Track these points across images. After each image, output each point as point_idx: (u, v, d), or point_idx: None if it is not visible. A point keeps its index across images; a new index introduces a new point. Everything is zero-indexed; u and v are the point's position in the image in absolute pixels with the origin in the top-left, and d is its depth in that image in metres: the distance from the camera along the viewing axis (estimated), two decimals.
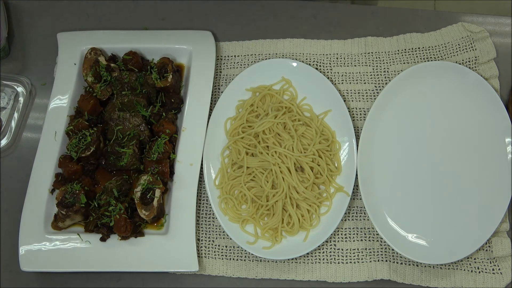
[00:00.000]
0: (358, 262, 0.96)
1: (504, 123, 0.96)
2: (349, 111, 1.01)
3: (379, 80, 1.06)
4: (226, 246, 0.99)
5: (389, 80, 1.05)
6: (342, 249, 0.97)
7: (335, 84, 1.06)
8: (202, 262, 0.98)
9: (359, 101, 1.05)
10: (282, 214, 0.96)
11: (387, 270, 0.94)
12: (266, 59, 1.09)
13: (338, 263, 0.96)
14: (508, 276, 0.92)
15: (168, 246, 0.95)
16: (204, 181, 1.00)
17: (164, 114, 1.04)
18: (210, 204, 0.99)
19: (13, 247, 0.98)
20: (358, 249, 0.96)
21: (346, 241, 0.97)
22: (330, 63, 1.08)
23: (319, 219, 0.97)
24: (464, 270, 0.93)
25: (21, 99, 1.11)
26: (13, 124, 1.09)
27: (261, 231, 0.97)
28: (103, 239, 0.96)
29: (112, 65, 1.07)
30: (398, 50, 1.08)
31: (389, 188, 0.97)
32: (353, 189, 0.96)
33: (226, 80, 1.09)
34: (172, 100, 1.04)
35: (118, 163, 1.00)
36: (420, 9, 1.12)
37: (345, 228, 0.98)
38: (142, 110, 1.03)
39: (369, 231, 0.97)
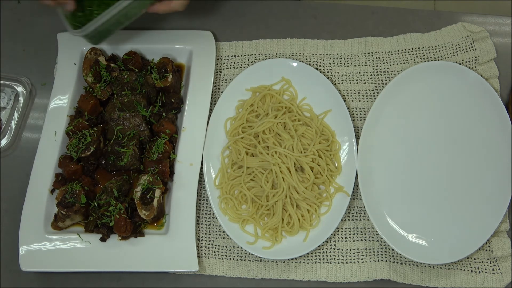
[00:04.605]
0: (358, 262, 0.96)
1: (504, 123, 0.96)
2: (349, 111, 1.01)
3: (379, 80, 1.06)
4: (226, 246, 0.99)
5: (389, 80, 1.05)
6: (342, 249, 0.97)
7: (335, 84, 1.06)
8: (202, 262, 0.98)
9: (359, 101, 1.05)
10: (282, 214, 0.96)
11: (387, 270, 0.94)
12: (266, 59, 1.09)
13: (338, 263, 0.96)
14: (508, 276, 0.92)
15: (168, 246, 0.95)
16: (204, 181, 1.00)
17: (164, 114, 1.04)
18: (210, 204, 0.99)
19: (13, 247, 0.98)
20: (358, 249, 0.96)
21: (346, 241, 0.97)
22: (330, 63, 1.08)
23: (319, 219, 0.97)
24: (464, 270, 0.93)
25: (21, 99, 1.11)
26: (13, 124, 1.09)
27: (261, 231, 0.97)
28: (103, 239, 0.96)
29: (112, 65, 1.07)
30: (398, 50, 1.08)
31: (389, 188, 0.97)
32: (353, 189, 0.96)
33: (226, 80, 1.09)
34: (172, 100, 1.04)
35: (118, 163, 1.00)
36: (420, 9, 1.12)
37: (345, 228, 0.98)
38: (142, 110, 1.03)
39: (369, 231, 0.97)
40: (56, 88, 1.07)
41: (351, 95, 1.06)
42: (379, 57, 1.08)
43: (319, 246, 0.96)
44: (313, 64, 1.08)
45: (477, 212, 0.93)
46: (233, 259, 0.98)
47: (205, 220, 1.01)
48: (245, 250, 0.97)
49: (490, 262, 0.93)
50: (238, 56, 1.11)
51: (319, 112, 1.03)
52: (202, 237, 1.00)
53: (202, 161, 1.00)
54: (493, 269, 0.92)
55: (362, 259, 0.96)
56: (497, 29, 1.07)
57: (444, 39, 1.07)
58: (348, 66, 1.08)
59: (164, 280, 0.98)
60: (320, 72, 1.05)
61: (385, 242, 0.95)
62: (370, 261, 0.95)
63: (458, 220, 0.94)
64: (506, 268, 0.92)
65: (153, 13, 0.96)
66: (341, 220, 0.96)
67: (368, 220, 0.98)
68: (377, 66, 1.07)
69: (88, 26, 0.91)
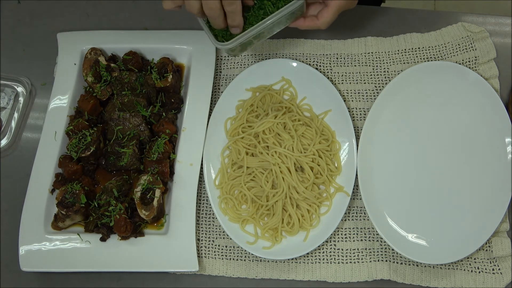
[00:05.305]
0: (358, 262, 0.96)
1: (504, 123, 0.96)
2: (349, 111, 1.01)
3: (379, 80, 1.06)
4: (226, 246, 0.99)
5: (389, 80, 1.05)
6: (342, 249, 0.97)
7: (335, 84, 1.06)
8: (202, 262, 0.98)
9: (359, 101, 1.05)
10: (282, 214, 0.96)
11: (387, 270, 0.94)
12: (266, 59, 1.09)
13: (338, 263, 0.96)
14: (508, 276, 0.92)
15: (168, 246, 0.95)
16: (204, 181, 1.00)
17: (164, 114, 1.04)
18: (210, 204, 0.99)
19: (13, 247, 0.98)
20: (358, 249, 0.96)
21: (346, 241, 0.97)
22: (330, 63, 1.08)
23: (319, 219, 0.97)
24: (464, 270, 0.93)
25: (21, 99, 1.11)
26: (13, 124, 1.09)
27: (261, 231, 0.97)
28: (103, 239, 0.96)
29: (112, 65, 1.07)
30: (398, 50, 1.08)
31: (389, 188, 0.97)
32: (353, 189, 0.96)
33: (226, 80, 1.09)
34: (172, 100, 1.05)
35: (118, 163, 1.00)
36: (420, 9, 1.12)
37: (345, 228, 0.98)
38: (142, 110, 1.03)
39: (369, 231, 0.97)
40: (56, 88, 1.07)
41: (351, 95, 1.06)
42: (379, 57, 1.08)
43: (319, 246, 0.96)
44: (313, 64, 1.08)
45: (477, 212, 0.93)
46: (233, 259, 0.98)
47: (205, 220, 1.01)
48: (245, 250, 0.97)
49: (490, 262, 0.93)
50: (238, 56, 1.11)
51: (319, 112, 1.03)
52: (202, 237, 1.00)
53: (202, 161, 1.00)
54: (493, 269, 0.92)
55: (362, 259, 0.96)
56: (497, 29, 1.07)
57: (444, 39, 1.07)
58: (348, 66, 1.08)
59: (164, 280, 0.98)
60: (320, 72, 1.05)
61: (385, 242, 0.95)
62: (370, 261, 0.95)
63: (458, 220, 0.94)
64: (506, 268, 0.92)
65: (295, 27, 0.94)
66: (341, 220, 0.96)
67: (368, 220, 0.98)
68: (377, 66, 1.07)
69: (235, 40, 0.88)
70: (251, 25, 0.89)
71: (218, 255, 0.98)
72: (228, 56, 1.11)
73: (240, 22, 0.86)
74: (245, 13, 0.89)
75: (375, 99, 1.02)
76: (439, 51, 1.06)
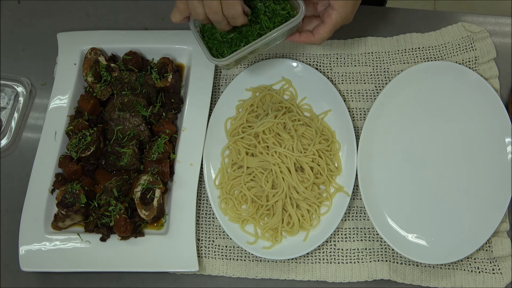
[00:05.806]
0: (358, 262, 0.96)
1: (504, 123, 0.96)
2: (349, 111, 1.01)
3: (379, 80, 1.06)
4: (226, 246, 0.99)
5: (389, 80, 1.05)
6: (342, 249, 0.97)
7: (335, 84, 1.06)
8: (202, 262, 0.98)
9: (359, 101, 1.05)
10: (282, 214, 0.96)
11: (387, 270, 0.94)
12: (266, 59, 1.09)
13: (338, 263, 0.96)
14: (508, 276, 0.92)
15: (168, 246, 0.95)
16: (204, 181, 1.00)
17: (164, 114, 1.04)
18: (210, 204, 1.00)
19: (13, 247, 0.98)
20: (358, 249, 0.96)
21: (346, 241, 0.97)
22: (330, 63, 1.08)
23: (319, 219, 0.97)
24: (464, 270, 0.93)
25: (21, 99, 1.11)
26: (13, 124, 1.09)
27: (261, 231, 0.97)
28: (103, 239, 0.96)
29: (112, 65, 1.07)
30: (398, 50, 1.08)
31: (389, 188, 0.97)
32: (353, 189, 0.96)
33: (226, 80, 1.09)
34: (172, 100, 1.05)
35: (118, 163, 1.00)
36: (420, 9, 1.12)
37: (345, 228, 0.98)
38: (142, 110, 1.03)
39: (369, 231, 0.97)
40: (56, 88, 1.07)
41: (351, 95, 1.06)
42: (379, 57, 1.08)
43: (319, 246, 0.96)
44: (313, 64, 1.08)
45: (477, 212, 0.93)
46: (233, 259, 0.98)
47: (205, 220, 1.01)
48: (245, 250, 0.97)
49: (490, 262, 0.93)
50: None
51: (319, 112, 1.03)
52: (202, 237, 1.00)
53: (202, 161, 1.00)
54: (493, 269, 0.92)
55: (362, 259, 0.96)
56: (497, 29, 1.07)
57: (444, 39, 1.07)
58: (348, 66, 1.08)
59: (164, 280, 0.98)
60: (320, 72, 1.05)
61: (385, 242, 0.95)
62: (370, 261, 0.95)
63: (458, 220, 0.94)
64: (506, 268, 0.92)
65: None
66: (341, 220, 0.96)
67: (368, 220, 0.98)
68: (377, 66, 1.07)
69: (230, 57, 0.89)
70: (246, 39, 0.90)
71: (218, 255, 0.98)
72: None
73: (243, 22, 0.87)
74: (241, 27, 0.90)
75: (375, 99, 1.02)
76: (439, 51, 1.06)
